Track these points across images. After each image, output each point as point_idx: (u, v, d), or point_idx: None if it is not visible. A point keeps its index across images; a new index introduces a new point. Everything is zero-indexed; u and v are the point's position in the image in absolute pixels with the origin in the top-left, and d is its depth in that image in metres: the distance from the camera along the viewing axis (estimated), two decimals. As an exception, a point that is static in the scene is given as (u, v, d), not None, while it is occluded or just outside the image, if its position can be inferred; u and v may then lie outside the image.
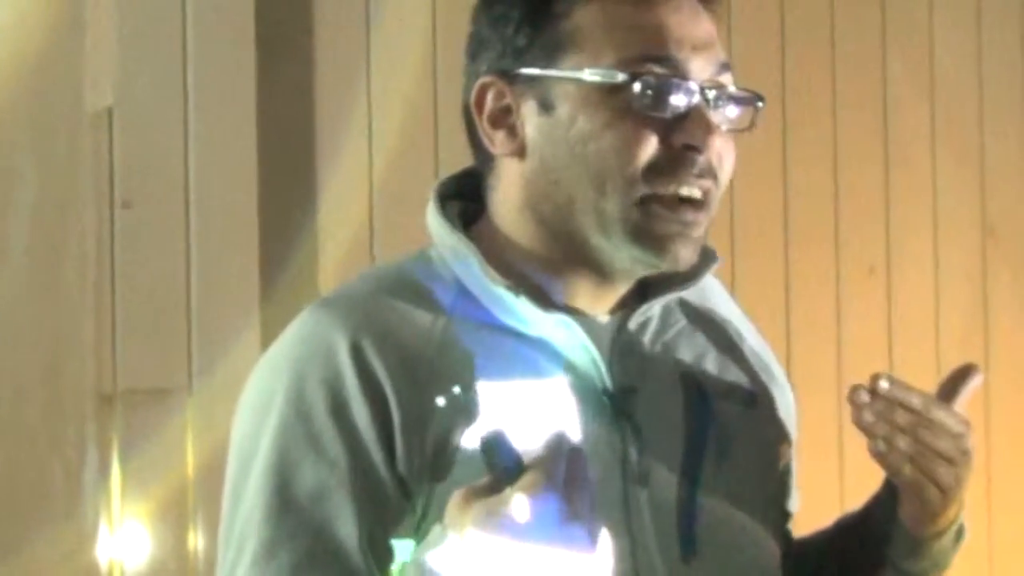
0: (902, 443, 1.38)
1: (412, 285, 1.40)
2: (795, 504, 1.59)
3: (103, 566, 2.29)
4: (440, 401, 1.34)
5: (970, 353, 2.86)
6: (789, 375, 1.62)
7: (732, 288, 1.66)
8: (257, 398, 1.40)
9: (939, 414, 1.39)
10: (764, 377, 1.55)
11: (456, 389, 1.35)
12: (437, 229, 1.43)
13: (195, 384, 2.36)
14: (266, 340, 2.35)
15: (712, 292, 1.55)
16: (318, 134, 2.50)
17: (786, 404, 1.56)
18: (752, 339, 1.57)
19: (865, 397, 1.38)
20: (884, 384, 1.38)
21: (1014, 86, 3.35)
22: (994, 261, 3.19)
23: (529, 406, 1.35)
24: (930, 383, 1.46)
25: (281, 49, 2.46)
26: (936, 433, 1.39)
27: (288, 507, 1.34)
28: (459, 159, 2.54)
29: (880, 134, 3.13)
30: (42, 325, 2.28)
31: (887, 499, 1.50)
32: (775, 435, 1.53)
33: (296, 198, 2.47)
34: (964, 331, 2.94)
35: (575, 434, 1.28)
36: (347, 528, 1.33)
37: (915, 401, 1.38)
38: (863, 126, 3.11)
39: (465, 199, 1.47)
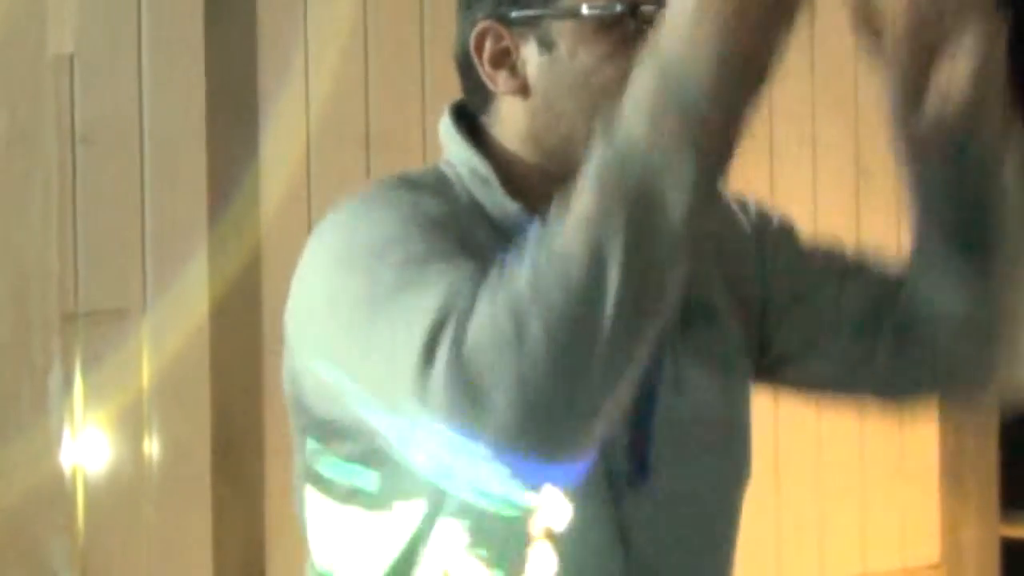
0: None
1: (434, 190, 1.39)
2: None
3: (67, 468, 2.42)
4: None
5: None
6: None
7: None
8: (342, 247, 1.32)
9: None
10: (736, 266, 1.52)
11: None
12: (456, 149, 1.43)
13: (149, 305, 2.48)
14: (212, 266, 2.53)
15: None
16: (260, 77, 2.60)
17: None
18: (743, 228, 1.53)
19: None
20: None
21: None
22: (867, 200, 3.33)
23: None
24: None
25: (226, 1, 2.57)
26: None
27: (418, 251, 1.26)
28: (389, 100, 2.67)
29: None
30: (11, 251, 2.41)
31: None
32: (736, 344, 1.50)
33: (240, 135, 2.56)
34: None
35: None
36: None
37: None
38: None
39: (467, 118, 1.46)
